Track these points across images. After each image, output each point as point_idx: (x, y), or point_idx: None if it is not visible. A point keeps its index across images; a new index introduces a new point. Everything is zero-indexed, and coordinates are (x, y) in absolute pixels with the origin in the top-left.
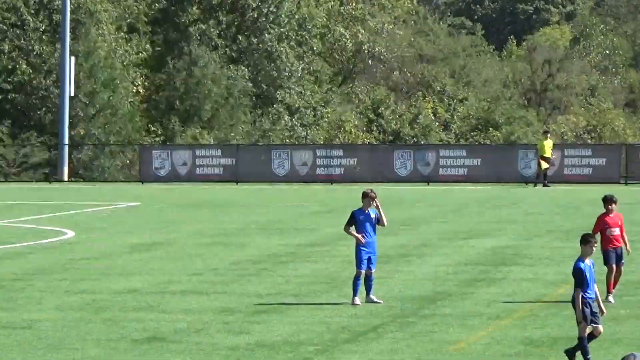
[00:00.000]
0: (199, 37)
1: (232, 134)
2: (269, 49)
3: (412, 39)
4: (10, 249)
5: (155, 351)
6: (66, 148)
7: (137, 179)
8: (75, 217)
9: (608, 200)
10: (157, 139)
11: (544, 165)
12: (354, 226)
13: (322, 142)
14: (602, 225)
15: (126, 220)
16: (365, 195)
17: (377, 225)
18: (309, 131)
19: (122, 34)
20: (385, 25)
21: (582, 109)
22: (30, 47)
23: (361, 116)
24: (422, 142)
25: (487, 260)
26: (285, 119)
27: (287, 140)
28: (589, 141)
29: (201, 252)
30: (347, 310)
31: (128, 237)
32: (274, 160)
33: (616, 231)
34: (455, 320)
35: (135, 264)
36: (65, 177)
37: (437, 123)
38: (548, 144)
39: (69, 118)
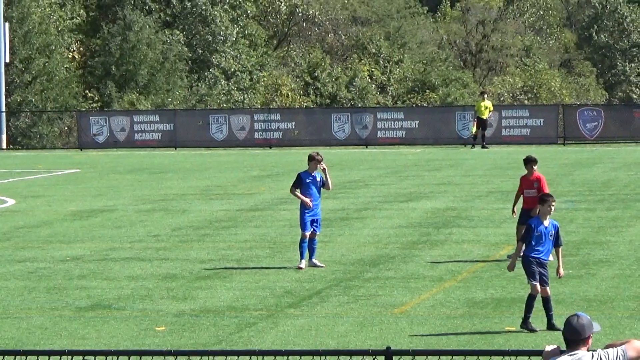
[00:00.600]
0: (132, 2)
1: (169, 99)
2: (202, 12)
3: (346, 1)
4: None
5: (100, 319)
6: (3, 115)
7: (76, 146)
8: (15, 185)
9: (527, 161)
10: (94, 105)
11: (474, 128)
12: (299, 189)
13: (259, 107)
14: (521, 185)
15: (66, 188)
16: (311, 159)
17: (322, 188)
18: (245, 95)
19: None
20: None
21: (518, 69)
22: None
23: (297, 79)
24: (360, 105)
25: (429, 222)
26: (222, 83)
27: (224, 105)
28: (525, 102)
29: (142, 218)
30: (290, 275)
31: (69, 204)
32: (212, 125)
33: (532, 192)
34: (399, 283)
35: (77, 232)
36: (4, 145)
37: (373, 86)
38: (485, 105)
39: (5, 85)
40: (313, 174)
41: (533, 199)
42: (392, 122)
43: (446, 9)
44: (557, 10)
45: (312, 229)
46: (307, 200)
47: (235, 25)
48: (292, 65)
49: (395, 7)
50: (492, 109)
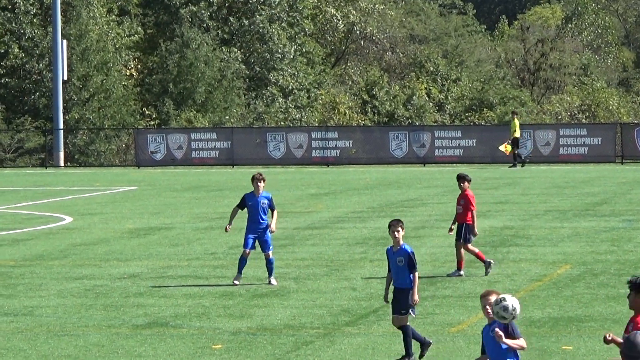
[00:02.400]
0: (190, 19)
1: (227, 117)
2: (260, 30)
3: (404, 19)
4: (9, 236)
5: (157, 336)
6: (61, 133)
7: (133, 163)
8: (73, 202)
9: (457, 178)
10: (152, 122)
11: (508, 147)
12: (246, 209)
13: (317, 125)
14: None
15: (123, 205)
16: (253, 179)
17: (269, 209)
18: (303, 113)
19: (114, 16)
20: (376, 5)
21: (576, 88)
22: (22, 31)
23: (355, 97)
24: (417, 123)
25: (486, 241)
26: (280, 101)
27: (282, 123)
28: (583, 120)
29: (199, 236)
30: (347, 293)
31: (126, 222)
32: (270, 142)
33: (459, 209)
34: (456, 301)
35: (134, 249)
36: (61, 162)
37: (431, 104)
38: (517, 124)
39: (63, 102)
40: (256, 196)
41: (461, 216)
42: (450, 141)
43: (504, 27)
44: (615, 29)
45: (252, 248)
46: (226, 226)
47: (292, 43)
48: (350, 83)
49: (453, 26)
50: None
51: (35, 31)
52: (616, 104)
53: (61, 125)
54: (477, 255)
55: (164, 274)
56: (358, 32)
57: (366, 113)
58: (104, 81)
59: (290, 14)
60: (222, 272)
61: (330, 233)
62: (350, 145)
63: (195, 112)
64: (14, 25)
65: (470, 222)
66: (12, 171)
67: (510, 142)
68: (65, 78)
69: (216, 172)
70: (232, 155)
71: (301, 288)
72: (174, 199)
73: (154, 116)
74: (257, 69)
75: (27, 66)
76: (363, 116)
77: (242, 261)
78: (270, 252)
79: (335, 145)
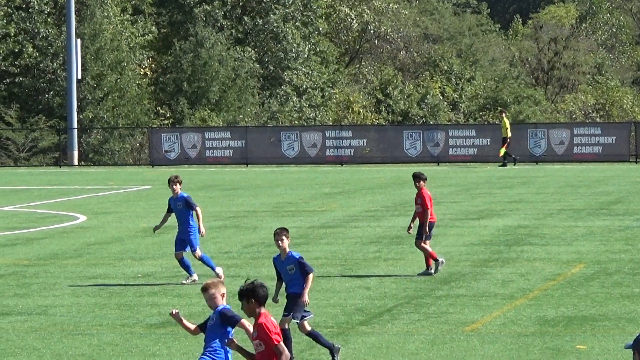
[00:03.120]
0: (204, 18)
1: (241, 116)
2: (274, 29)
3: (417, 19)
4: (23, 234)
5: (170, 335)
6: (75, 132)
7: (147, 162)
8: (86, 201)
9: (412, 178)
10: (166, 121)
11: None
12: (173, 213)
13: (331, 123)
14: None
15: (137, 204)
16: (168, 182)
17: (190, 210)
18: (317, 112)
19: (128, 15)
20: (390, 4)
21: (590, 87)
22: (36, 30)
23: (369, 96)
24: (431, 122)
25: (500, 240)
26: (294, 100)
27: (296, 122)
28: (597, 119)
29: (214, 235)
30: (361, 292)
31: (140, 221)
32: (284, 142)
33: (417, 208)
34: (470, 300)
35: (148, 248)
36: (75, 161)
37: (445, 103)
38: (506, 123)
39: (77, 101)
40: (174, 199)
41: (419, 215)
42: (464, 140)
43: (518, 27)
44: (629, 28)
45: (181, 249)
46: (155, 226)
47: (307, 43)
48: (364, 82)
49: (467, 25)
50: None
51: (50, 30)
52: (630, 103)
53: (75, 124)
54: (429, 255)
55: (178, 273)
56: (372, 31)
57: (380, 112)
58: (118, 80)
59: (304, 13)
60: (235, 271)
61: (344, 232)
62: (365, 144)
63: (209, 111)
64: (28, 24)
65: (433, 220)
66: (27, 170)
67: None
68: (80, 77)
69: (230, 171)
70: (246, 154)
71: (315, 287)
72: None
73: (168, 115)
74: (271, 68)
75: (41, 65)
76: (377, 115)
77: (181, 263)
78: (198, 251)
79: (350, 144)
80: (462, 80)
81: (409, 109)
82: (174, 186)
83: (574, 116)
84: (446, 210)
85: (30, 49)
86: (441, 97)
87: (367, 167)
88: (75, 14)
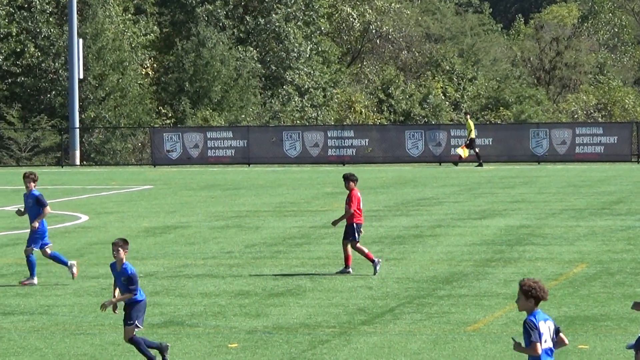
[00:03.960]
0: (206, 18)
1: (243, 116)
2: (276, 29)
3: (419, 18)
4: (25, 234)
5: (173, 335)
6: (77, 131)
7: (149, 162)
8: (89, 201)
9: (343, 179)
10: (168, 121)
11: (465, 150)
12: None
13: (333, 123)
14: None
15: (139, 204)
16: (24, 176)
17: (40, 208)
18: (319, 112)
19: (130, 15)
20: (392, 4)
21: (592, 87)
22: (38, 30)
23: (371, 96)
24: (433, 122)
25: (502, 240)
26: (296, 100)
27: (298, 122)
28: (599, 119)
29: (216, 235)
30: (363, 292)
31: (142, 221)
32: (286, 141)
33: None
34: (472, 300)
35: (150, 248)
36: (77, 161)
37: (447, 103)
38: (471, 125)
39: (79, 101)
40: (27, 195)
41: (350, 216)
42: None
43: (520, 27)
44: (631, 28)
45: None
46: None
47: (308, 42)
48: (366, 82)
49: (469, 25)
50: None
51: (51, 30)
52: (632, 103)
53: (77, 124)
54: (366, 255)
55: (180, 272)
56: (374, 31)
57: (382, 112)
58: (120, 80)
59: (306, 12)
60: (238, 271)
61: None
62: (367, 144)
63: (211, 110)
64: (30, 24)
65: (360, 222)
66: (29, 170)
67: (467, 143)
68: (81, 77)
69: (232, 170)
70: (248, 154)
71: (317, 287)
72: (190, 198)
73: (170, 115)
74: (273, 67)
75: (43, 65)
76: (379, 115)
77: (28, 260)
78: (32, 248)
79: (352, 144)
80: (464, 80)
81: (410, 109)
82: (29, 183)
83: (575, 116)
84: (448, 210)
85: (32, 49)
86: (443, 97)
87: (369, 167)
88: (77, 13)
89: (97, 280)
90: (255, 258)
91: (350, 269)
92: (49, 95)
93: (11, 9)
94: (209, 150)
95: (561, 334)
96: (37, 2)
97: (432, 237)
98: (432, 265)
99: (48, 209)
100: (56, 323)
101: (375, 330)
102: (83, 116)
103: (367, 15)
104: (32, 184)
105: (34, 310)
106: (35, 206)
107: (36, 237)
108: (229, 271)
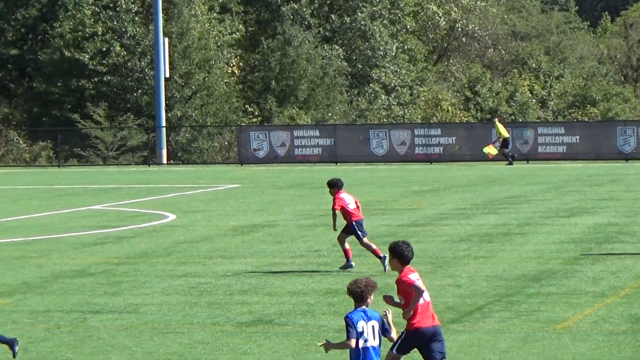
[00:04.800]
0: (291, 17)
1: (329, 114)
2: (362, 27)
3: (505, 16)
4: (113, 233)
5: (262, 334)
6: (163, 130)
7: (236, 161)
8: (176, 200)
9: (328, 185)
10: (254, 119)
11: (493, 149)
12: None
13: (419, 121)
14: None
15: (227, 203)
16: None
17: None
18: (406, 110)
19: (215, 14)
20: (478, 2)
21: None
22: (124, 29)
23: (458, 94)
24: (520, 120)
25: (590, 238)
26: (382, 98)
27: (385, 120)
28: None
29: (303, 233)
30: (452, 291)
31: (229, 219)
32: (372, 140)
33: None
34: (561, 298)
35: (238, 247)
36: (164, 160)
37: (534, 100)
38: (499, 126)
39: (165, 100)
40: None
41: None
42: (553, 137)
43: (606, 24)
44: None
45: None
46: None
47: (394, 40)
48: (452, 80)
49: (555, 22)
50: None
51: (137, 29)
52: None
53: (163, 123)
54: (374, 252)
55: (268, 271)
56: (460, 29)
57: (469, 110)
58: (206, 79)
59: (392, 11)
60: (326, 269)
61: (434, 230)
62: (454, 142)
63: (297, 109)
64: (115, 23)
65: (358, 219)
66: (115, 169)
67: (498, 143)
68: (167, 76)
69: (319, 169)
70: (335, 152)
71: None
72: (277, 196)
73: (257, 113)
74: (359, 66)
75: (129, 64)
76: (466, 113)
77: None
78: None
79: (439, 142)
80: (551, 78)
81: (497, 107)
82: None
83: None
84: (536, 208)
85: (118, 48)
86: (530, 95)
87: (457, 165)
88: (162, 12)
89: (185, 279)
90: (344, 257)
91: (352, 262)
92: (135, 94)
93: (97, 9)
94: (296, 149)
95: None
96: (123, 1)
97: (520, 235)
98: (520, 263)
99: None
100: (145, 322)
101: (464, 328)
102: (169, 115)
103: (453, 14)
104: None
105: (123, 309)
106: None
107: None
108: (317, 269)
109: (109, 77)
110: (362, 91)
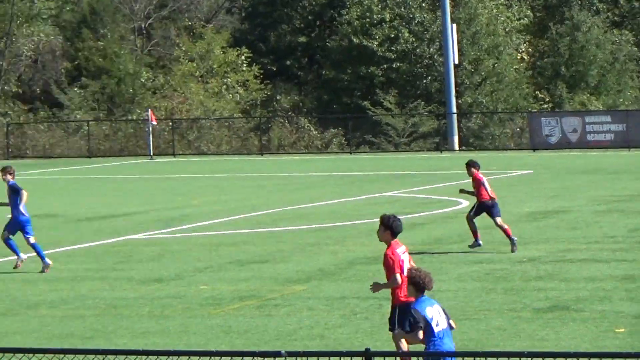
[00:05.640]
0: (579, 2)
1: (621, 100)
2: None
3: None
4: (408, 220)
5: (558, 320)
6: (454, 117)
7: (528, 147)
8: (468, 185)
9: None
10: (545, 106)
11: None
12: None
13: None
14: None
15: (519, 189)
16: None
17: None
18: None
19: (502, 0)
20: None
21: None
22: (411, 15)
23: None
24: None
25: None
26: None
27: None
28: None
29: (598, 219)
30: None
31: (523, 205)
32: None
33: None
34: None
35: (532, 233)
36: (456, 146)
37: None
38: None
39: (455, 86)
40: (7, 187)
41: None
42: None
43: None
44: None
45: (10, 232)
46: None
47: None
48: None
49: None
50: None
51: (425, 15)
52: None
53: (454, 109)
54: (504, 231)
55: (563, 257)
56: None
57: None
58: (496, 65)
59: None
60: (622, 256)
61: None
62: None
63: (588, 95)
64: (403, 10)
65: (487, 199)
66: (407, 155)
67: None
68: (457, 62)
69: (612, 154)
70: (628, 138)
71: None
72: (570, 182)
73: (547, 99)
74: None
75: (417, 50)
76: None
77: (7, 244)
78: (30, 238)
79: None
80: None
81: None
82: (3, 176)
83: None
84: None
85: (406, 34)
86: None
87: None
88: None
89: (480, 265)
90: (639, 243)
91: (480, 241)
92: (424, 81)
93: None
94: (588, 135)
95: None
96: None
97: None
98: None
99: (24, 192)
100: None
101: None
102: (460, 101)
103: None
104: (8, 176)
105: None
106: (12, 195)
107: (27, 225)
108: (612, 256)
109: (398, 64)
110: None
